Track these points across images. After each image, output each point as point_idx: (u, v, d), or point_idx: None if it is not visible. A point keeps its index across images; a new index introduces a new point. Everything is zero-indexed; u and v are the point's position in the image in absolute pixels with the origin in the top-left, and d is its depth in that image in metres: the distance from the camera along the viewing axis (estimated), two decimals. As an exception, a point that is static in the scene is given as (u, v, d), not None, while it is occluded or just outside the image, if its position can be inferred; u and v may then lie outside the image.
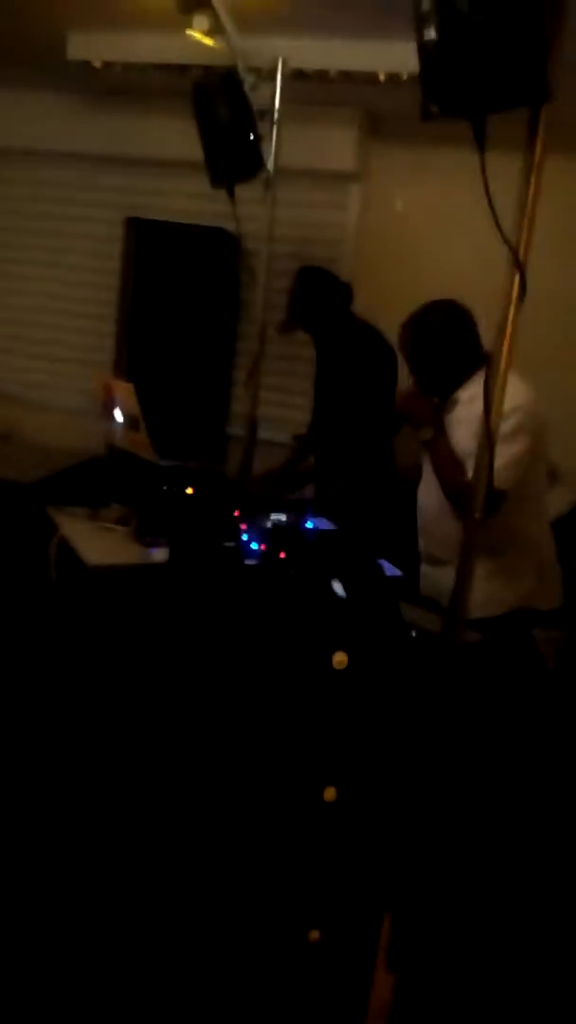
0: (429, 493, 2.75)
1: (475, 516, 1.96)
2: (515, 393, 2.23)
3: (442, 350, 2.63)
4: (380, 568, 2.14)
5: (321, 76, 3.74)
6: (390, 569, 2.34)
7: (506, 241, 1.77)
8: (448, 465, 2.54)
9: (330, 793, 1.93)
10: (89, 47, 3.89)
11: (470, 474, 2.17)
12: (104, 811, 2.37)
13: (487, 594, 2.46)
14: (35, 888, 2.45)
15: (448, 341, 2.62)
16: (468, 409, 2.49)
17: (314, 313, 3.81)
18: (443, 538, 2.65)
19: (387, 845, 1.99)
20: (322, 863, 1.99)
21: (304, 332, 3.93)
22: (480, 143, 1.69)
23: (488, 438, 1.89)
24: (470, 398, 2.52)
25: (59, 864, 2.49)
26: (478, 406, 1.96)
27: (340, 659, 1.87)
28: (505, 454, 2.34)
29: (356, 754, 1.93)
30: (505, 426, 2.23)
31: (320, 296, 3.79)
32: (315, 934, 2.03)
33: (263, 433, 3.76)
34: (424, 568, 2.82)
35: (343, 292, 3.86)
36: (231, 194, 3.15)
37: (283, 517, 2.47)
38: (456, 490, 2.47)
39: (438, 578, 2.62)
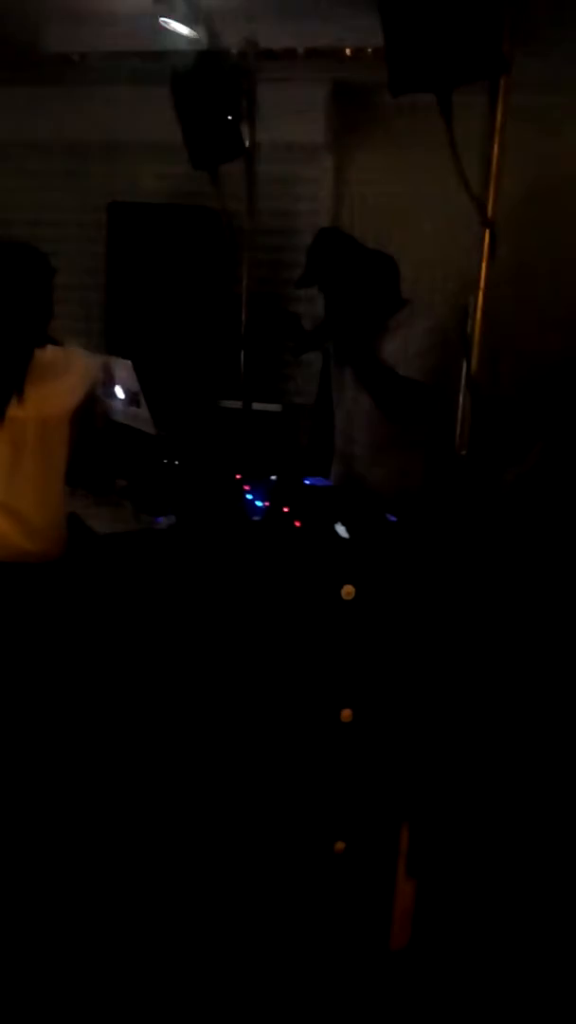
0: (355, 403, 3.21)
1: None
2: (435, 317, 3.02)
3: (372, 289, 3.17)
4: (381, 512, 2.33)
5: (289, 55, 3.88)
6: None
7: (473, 198, 1.96)
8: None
9: (346, 714, 2.13)
10: (66, 40, 4.01)
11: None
12: (146, 743, 2.57)
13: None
14: (69, 837, 2.65)
15: (384, 283, 3.19)
16: (394, 333, 3.08)
17: (328, 272, 3.94)
18: (362, 439, 3.17)
19: (404, 760, 2.19)
20: (344, 779, 2.19)
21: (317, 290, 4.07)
22: (447, 115, 1.86)
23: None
24: (396, 325, 3.08)
25: (94, 803, 2.69)
26: (403, 331, 3.00)
27: (348, 591, 2.07)
28: (429, 358, 2.95)
29: (369, 677, 2.13)
30: (426, 342, 2.97)
31: (335, 256, 3.93)
32: (340, 845, 2.23)
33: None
34: (335, 468, 3.29)
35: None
36: (214, 176, 3.24)
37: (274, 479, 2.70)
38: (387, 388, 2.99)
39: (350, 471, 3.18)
